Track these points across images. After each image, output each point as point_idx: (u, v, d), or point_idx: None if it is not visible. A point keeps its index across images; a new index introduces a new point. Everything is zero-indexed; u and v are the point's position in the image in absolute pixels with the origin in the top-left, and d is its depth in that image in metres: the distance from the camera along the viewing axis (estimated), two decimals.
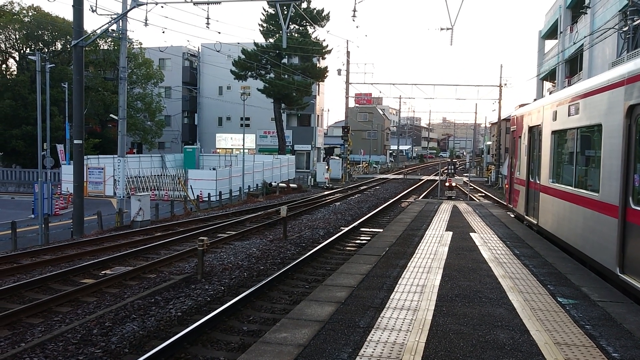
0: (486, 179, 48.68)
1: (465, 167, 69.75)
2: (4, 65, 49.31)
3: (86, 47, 20.19)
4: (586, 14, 27.87)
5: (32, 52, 40.47)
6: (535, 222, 11.97)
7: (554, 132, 10.74)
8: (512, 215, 15.52)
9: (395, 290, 6.91)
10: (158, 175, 39.16)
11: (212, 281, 10.30)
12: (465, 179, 34.02)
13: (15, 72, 48.42)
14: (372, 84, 61.41)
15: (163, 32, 56.10)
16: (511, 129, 16.28)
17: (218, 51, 25.73)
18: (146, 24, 20.74)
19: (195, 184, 32.55)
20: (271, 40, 48.68)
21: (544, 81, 42.27)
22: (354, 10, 20.77)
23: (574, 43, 29.34)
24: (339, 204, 25.32)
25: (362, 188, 35.22)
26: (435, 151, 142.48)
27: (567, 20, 33.62)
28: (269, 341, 5.11)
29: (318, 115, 62.43)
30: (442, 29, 23.29)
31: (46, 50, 44.74)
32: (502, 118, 49.08)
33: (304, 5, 45.55)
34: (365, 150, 76.96)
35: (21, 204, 31.39)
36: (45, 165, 25.68)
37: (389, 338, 5.17)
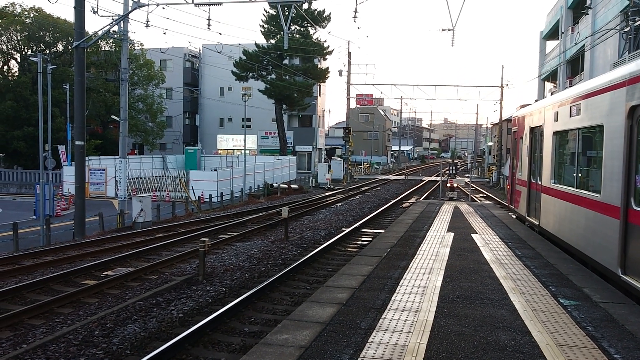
0: (487, 180, 48.66)
1: (467, 168, 69.71)
2: (5, 67, 49.44)
3: (87, 48, 20.22)
4: (587, 14, 27.85)
5: (33, 53, 40.55)
6: (537, 223, 11.96)
7: (555, 133, 10.72)
8: (514, 216, 15.51)
9: (396, 291, 6.91)
10: (159, 176, 39.24)
11: (214, 282, 10.29)
12: (466, 179, 34.01)
13: (16, 74, 48.52)
14: (373, 84, 61.51)
15: (164, 34, 56.06)
16: (512, 130, 16.27)
17: (219, 52, 25.72)
18: (147, 25, 20.78)
19: (197, 185, 32.58)
20: (272, 41, 48.71)
21: (546, 82, 42.24)
22: (355, 11, 20.85)
23: (576, 44, 29.32)
24: (340, 204, 25.31)
25: (363, 189, 35.20)
26: (436, 152, 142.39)
27: (569, 20, 33.60)
28: (271, 342, 5.11)
29: (319, 116, 62.44)
30: (443, 30, 23.29)
31: (48, 51, 44.81)
32: (503, 119, 49.03)
33: (305, 6, 45.52)
34: (366, 151, 76.92)
35: (23, 205, 31.43)
36: (46, 167, 25.68)
37: (391, 339, 5.17)
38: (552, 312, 6.07)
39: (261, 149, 56.22)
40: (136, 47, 48.07)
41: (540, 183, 11.82)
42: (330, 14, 48.69)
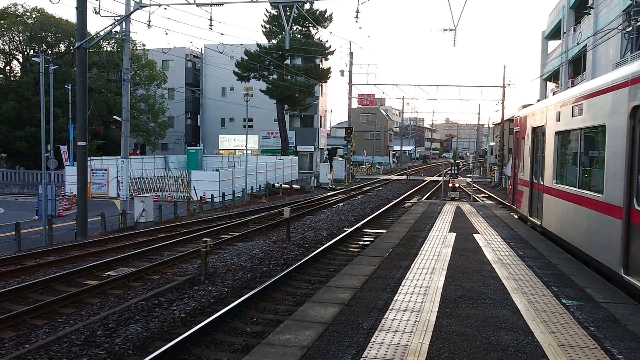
0: (489, 180, 48.60)
1: (469, 168, 69.67)
2: (7, 67, 49.53)
3: (89, 48, 20.27)
4: (589, 14, 27.82)
5: (35, 53, 40.63)
6: (539, 223, 11.95)
7: (557, 133, 10.71)
8: (516, 216, 15.49)
9: (398, 291, 6.90)
10: (161, 177, 39.30)
11: (216, 282, 10.30)
12: (468, 179, 34.00)
13: (19, 74, 48.61)
14: (375, 84, 61.64)
15: (166, 34, 56.25)
16: (514, 130, 16.25)
17: (221, 52, 25.77)
18: (149, 26, 20.83)
19: (199, 185, 32.62)
20: (274, 41, 48.72)
21: (548, 82, 42.19)
22: (357, 12, 20.80)
23: (578, 43, 29.29)
24: (342, 205, 25.31)
25: (365, 189, 35.19)
26: (438, 152, 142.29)
27: (571, 20, 33.56)
28: (273, 343, 5.11)
29: (321, 116, 62.44)
30: (445, 30, 23.31)
31: (50, 52, 44.88)
32: (505, 119, 49.03)
33: (307, 6, 45.55)
34: (368, 151, 76.91)
35: (25, 205, 31.51)
36: (48, 167, 25.74)
37: (393, 340, 5.17)
38: (555, 313, 6.06)
39: (263, 149, 56.24)
40: (138, 48, 48.19)
41: (542, 183, 11.80)
42: (331, 14, 48.76)
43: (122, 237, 16.09)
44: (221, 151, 58.51)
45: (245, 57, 46.02)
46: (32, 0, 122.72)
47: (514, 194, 15.82)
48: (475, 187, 35.66)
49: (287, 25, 21.41)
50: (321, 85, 58.06)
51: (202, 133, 63.99)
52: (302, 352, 4.84)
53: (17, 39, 47.13)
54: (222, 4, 19.34)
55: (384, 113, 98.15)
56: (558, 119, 10.54)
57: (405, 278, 7.62)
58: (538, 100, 18.99)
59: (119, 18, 20.56)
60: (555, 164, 10.81)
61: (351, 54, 47.02)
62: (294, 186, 37.52)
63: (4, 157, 50.38)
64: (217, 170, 39.01)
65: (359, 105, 72.94)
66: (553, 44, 41.02)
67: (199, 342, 7.11)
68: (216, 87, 60.85)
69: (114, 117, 40.24)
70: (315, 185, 40.66)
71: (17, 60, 49.15)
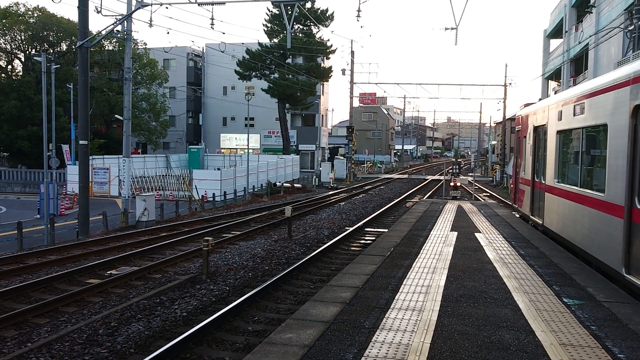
0: (491, 179, 48.58)
1: (470, 167, 69.64)
2: (9, 66, 49.56)
3: (91, 48, 20.28)
4: (591, 13, 27.79)
5: (37, 53, 40.68)
6: (541, 222, 11.94)
7: (559, 132, 10.71)
8: (517, 215, 15.48)
9: (400, 290, 6.91)
10: (163, 176, 39.27)
11: (217, 281, 10.31)
12: (470, 178, 33.98)
13: (20, 73, 48.65)
14: (376, 83, 61.66)
15: (168, 33, 56.34)
16: (516, 129, 16.24)
17: (222, 51, 25.77)
18: (151, 25, 20.86)
19: (200, 184, 32.64)
20: (275, 40, 48.71)
21: (549, 80, 42.13)
22: (359, 10, 20.82)
23: (579, 42, 29.26)
24: (343, 204, 25.32)
25: (366, 188, 35.19)
26: (439, 151, 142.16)
27: (572, 19, 33.51)
28: (274, 342, 5.12)
29: (322, 115, 62.43)
30: (446, 29, 23.28)
31: (51, 51, 44.93)
32: (507, 117, 48.97)
33: (308, 5, 45.57)
34: (369, 150, 76.86)
35: (27, 204, 31.57)
36: (50, 166, 25.76)
37: (394, 339, 5.17)
38: (556, 312, 6.07)
39: (264, 148, 56.26)
40: (140, 47, 48.20)
41: (544, 182, 11.80)
42: (333, 13, 48.78)
43: (123, 236, 16.11)
44: (223, 150, 58.54)
45: (247, 56, 46.04)
46: None
47: (516, 193, 15.81)
48: (476, 186, 35.65)
49: (289, 24, 21.42)
50: (322, 84, 58.03)
51: (204, 132, 64.03)
52: (304, 351, 4.85)
53: (19, 38, 47.16)
54: (223, 3, 19.34)
55: (386, 112, 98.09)
56: (560, 118, 10.53)
57: (407, 277, 7.62)
58: (540, 99, 18.97)
59: (120, 17, 20.58)
60: (557, 163, 10.80)
61: (352, 52, 47.01)
62: (295, 185, 37.52)
63: (6, 156, 50.46)
64: (218, 169, 39.04)
65: (361, 104, 72.88)
66: (555, 43, 40.97)
67: (200, 341, 7.12)
68: (218, 86, 60.87)
69: (116, 116, 40.36)
70: (317, 184, 40.66)
71: (19, 59, 49.21)
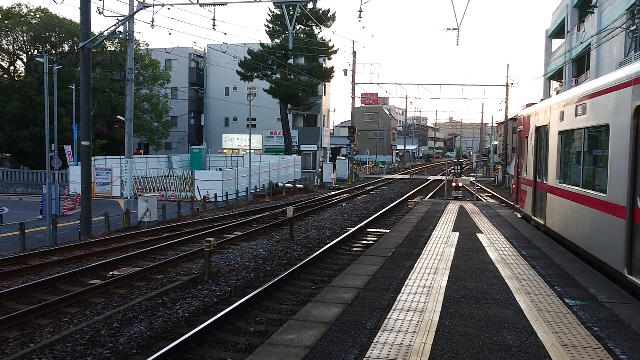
0: (493, 179, 48.54)
1: (472, 167, 69.57)
2: (12, 67, 49.67)
3: (93, 48, 20.30)
4: (593, 13, 27.75)
5: (39, 53, 40.69)
6: (542, 223, 11.93)
7: (561, 132, 10.70)
8: (519, 216, 15.47)
9: (401, 291, 6.91)
10: (165, 176, 39.34)
11: (219, 282, 10.32)
12: (472, 179, 33.95)
13: (23, 74, 48.76)
14: (378, 84, 61.33)
15: (169, 34, 56.50)
16: (518, 129, 16.23)
17: (224, 52, 25.78)
18: (152, 26, 20.85)
19: (202, 185, 32.66)
20: (277, 40, 48.73)
21: (551, 80, 42.10)
22: (360, 11, 20.79)
23: (581, 42, 29.21)
24: (345, 204, 25.32)
25: (368, 188, 35.19)
26: (441, 151, 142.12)
27: (574, 19, 33.48)
28: (276, 342, 5.13)
29: (324, 116, 62.44)
30: (448, 29, 23.26)
31: (53, 51, 45.03)
32: (508, 117, 48.90)
33: (310, 5, 45.55)
34: (371, 150, 76.81)
35: (29, 205, 31.61)
36: (52, 166, 25.82)
37: (396, 340, 5.18)
38: (558, 312, 6.06)
39: (266, 148, 56.29)
40: (141, 47, 48.28)
41: (545, 182, 11.79)
42: (335, 13, 48.90)
43: (125, 237, 16.13)
44: (224, 150, 58.61)
45: (249, 57, 46.07)
46: (36, 0, 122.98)
47: (518, 193, 15.80)
48: (478, 186, 35.64)
49: (290, 24, 21.44)
50: (324, 85, 58.05)
51: (206, 132, 64.10)
52: (306, 352, 4.86)
53: (21, 39, 47.26)
54: (225, 3, 19.36)
55: (387, 112, 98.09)
56: (561, 118, 10.52)
57: (409, 278, 7.62)
58: (541, 99, 18.95)
59: (122, 18, 20.59)
60: (559, 163, 10.79)
61: (354, 53, 47.00)
62: (297, 185, 37.53)
63: (8, 156, 50.56)
64: (220, 169, 39.07)
65: (362, 105, 72.92)
66: (557, 43, 40.92)
67: (202, 342, 7.13)
68: (219, 86, 60.93)
69: (118, 116, 40.38)
70: (319, 184, 40.66)
71: (21, 60, 49.31)
